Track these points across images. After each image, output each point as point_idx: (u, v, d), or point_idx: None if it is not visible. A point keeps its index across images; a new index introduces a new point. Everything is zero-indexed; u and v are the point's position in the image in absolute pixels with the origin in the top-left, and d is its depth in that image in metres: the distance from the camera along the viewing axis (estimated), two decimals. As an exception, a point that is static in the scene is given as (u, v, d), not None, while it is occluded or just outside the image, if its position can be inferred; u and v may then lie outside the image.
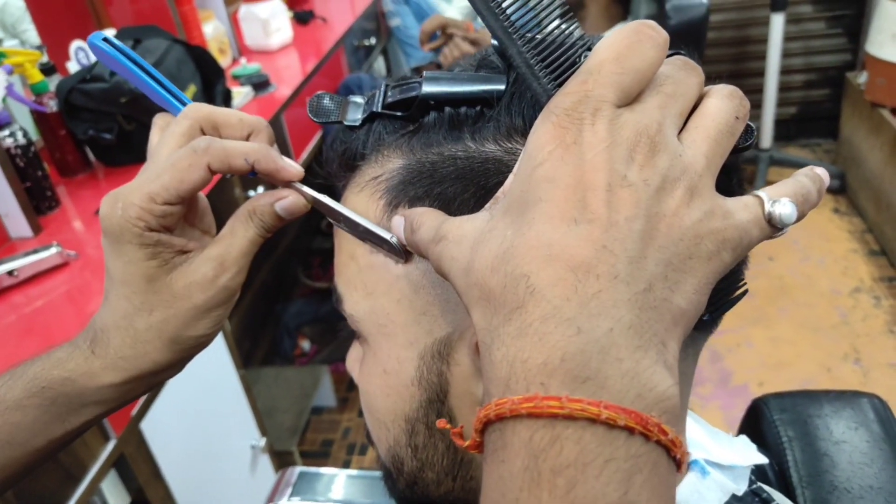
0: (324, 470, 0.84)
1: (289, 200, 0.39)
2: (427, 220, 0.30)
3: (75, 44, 1.46)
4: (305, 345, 2.20)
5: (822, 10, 2.73)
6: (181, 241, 0.39)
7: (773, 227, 0.28)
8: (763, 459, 0.48)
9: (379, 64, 2.60)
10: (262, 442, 1.43)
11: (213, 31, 1.82)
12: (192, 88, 1.42)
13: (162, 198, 0.36)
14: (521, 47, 0.29)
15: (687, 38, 1.60)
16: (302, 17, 2.23)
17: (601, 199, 0.24)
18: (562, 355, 0.22)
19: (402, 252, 0.34)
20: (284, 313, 2.23)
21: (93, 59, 1.48)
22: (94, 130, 1.33)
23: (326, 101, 0.38)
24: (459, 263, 0.27)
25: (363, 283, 0.35)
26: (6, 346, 0.96)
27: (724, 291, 0.34)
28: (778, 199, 0.28)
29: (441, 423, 0.31)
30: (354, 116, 0.36)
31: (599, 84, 0.25)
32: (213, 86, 1.49)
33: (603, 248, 0.23)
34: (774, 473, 0.54)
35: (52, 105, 1.34)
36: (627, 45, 0.26)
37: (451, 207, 0.32)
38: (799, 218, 0.28)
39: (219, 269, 0.39)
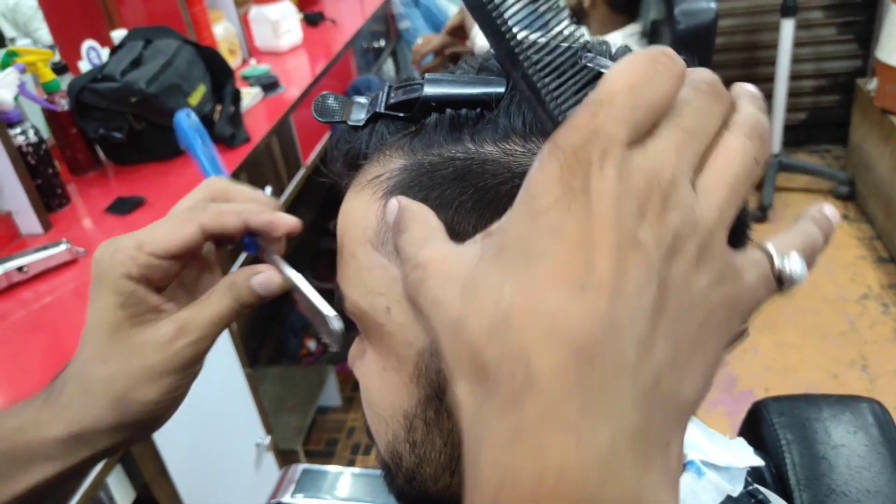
0: (327, 467, 0.85)
1: (264, 276, 0.40)
2: (414, 229, 0.28)
3: (87, 43, 1.48)
4: (311, 345, 2.21)
5: (833, 16, 2.72)
6: (157, 299, 0.39)
7: (782, 284, 0.25)
8: (759, 461, 0.48)
9: (388, 66, 2.62)
10: (268, 440, 1.44)
11: (223, 32, 1.84)
12: (201, 89, 1.43)
13: (149, 248, 0.37)
14: (526, 69, 0.28)
15: (696, 42, 1.60)
16: (312, 18, 2.24)
17: (609, 261, 0.21)
18: (558, 472, 0.20)
19: (338, 340, 0.37)
20: (291, 313, 2.24)
21: (104, 58, 1.49)
22: (105, 129, 1.35)
23: (331, 101, 0.39)
24: (447, 313, 0.24)
25: (364, 282, 0.36)
26: (15, 341, 0.98)
27: None
28: (788, 254, 0.25)
29: None
30: (358, 116, 0.37)
31: (610, 120, 0.23)
32: (222, 86, 1.50)
33: (610, 325, 0.21)
34: (772, 476, 0.54)
35: (63, 104, 1.35)
36: (642, 75, 0.24)
37: (450, 210, 0.32)
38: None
39: (179, 332, 0.39)
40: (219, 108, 1.48)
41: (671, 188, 0.23)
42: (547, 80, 0.28)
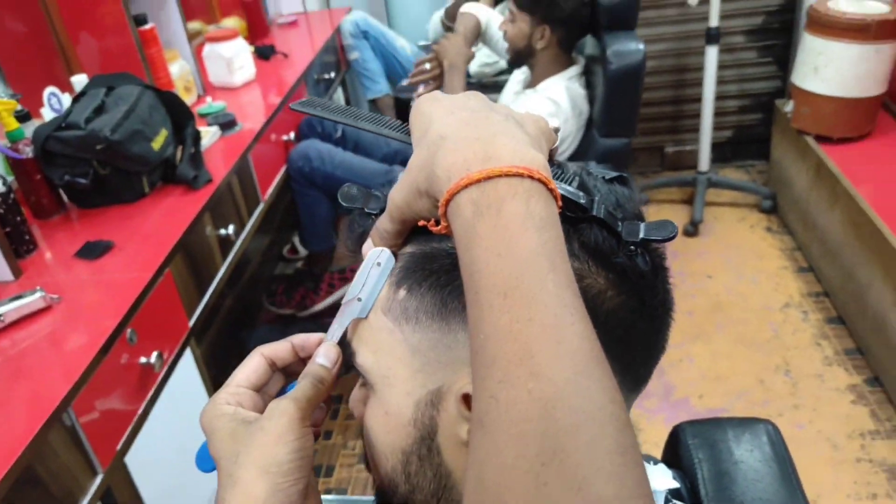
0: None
1: (322, 350, 0.48)
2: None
3: (49, 90, 1.52)
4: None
5: (754, 41, 2.93)
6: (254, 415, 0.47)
7: None
8: (676, 484, 0.59)
9: (338, 95, 2.70)
10: (236, 467, 1.50)
11: (178, 71, 1.89)
12: (163, 133, 1.49)
13: (233, 382, 0.48)
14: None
15: (626, 79, 1.74)
16: (263, 52, 2.30)
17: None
18: (473, 153, 0.36)
19: None
20: (250, 339, 2.29)
21: (66, 104, 1.54)
22: (70, 175, 1.39)
23: (354, 190, 0.48)
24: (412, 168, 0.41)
25: (372, 342, 0.44)
26: (-2, 389, 1.02)
27: (646, 358, 0.44)
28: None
29: None
30: (374, 206, 0.46)
31: None
32: (183, 128, 1.56)
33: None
34: (688, 491, 0.66)
35: (27, 151, 1.39)
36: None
37: (445, 289, 0.41)
38: None
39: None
40: (180, 149, 1.54)
41: None
42: None
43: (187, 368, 1.37)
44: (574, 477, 0.29)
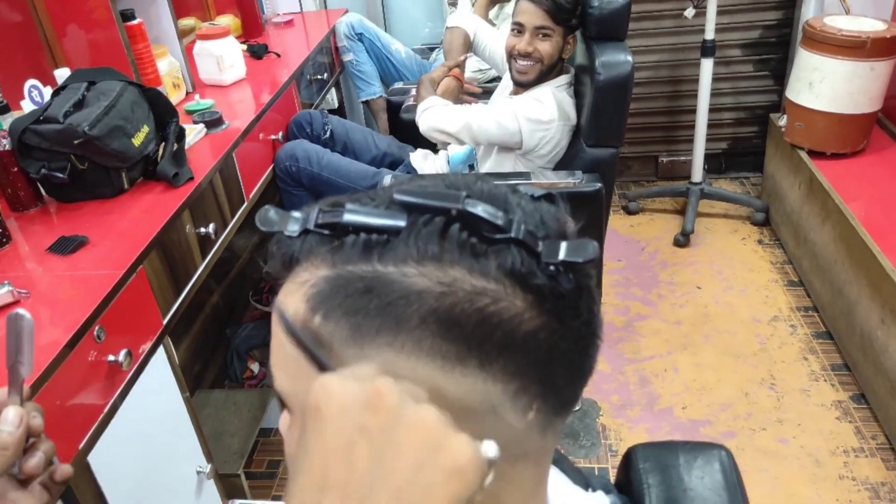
0: (261, 503, 0.91)
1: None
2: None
3: (30, 82, 1.51)
4: (255, 367, 2.26)
5: (750, 54, 2.92)
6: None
7: None
8: None
9: (331, 96, 2.69)
10: (208, 468, 1.49)
11: (167, 67, 1.88)
12: (144, 129, 1.48)
13: None
14: None
15: (614, 90, 1.73)
16: (256, 51, 2.30)
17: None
18: None
19: None
20: (235, 336, 2.28)
21: (47, 97, 1.53)
22: (47, 169, 1.38)
23: (272, 213, 0.46)
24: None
25: (288, 367, 0.43)
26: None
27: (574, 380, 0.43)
28: None
29: None
30: (293, 228, 0.44)
31: None
32: (166, 126, 1.55)
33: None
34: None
35: (4, 143, 1.38)
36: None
37: (358, 314, 0.40)
38: None
39: None
40: (163, 146, 1.53)
41: None
42: None
43: (159, 367, 1.35)
44: None
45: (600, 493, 0.55)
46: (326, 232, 0.42)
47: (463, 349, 0.37)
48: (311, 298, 0.42)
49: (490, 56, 2.27)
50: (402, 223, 0.39)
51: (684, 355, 2.21)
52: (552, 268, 0.38)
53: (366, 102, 2.82)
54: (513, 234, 0.38)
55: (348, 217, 0.41)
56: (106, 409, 1.17)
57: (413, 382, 0.36)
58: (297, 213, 0.45)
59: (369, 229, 0.40)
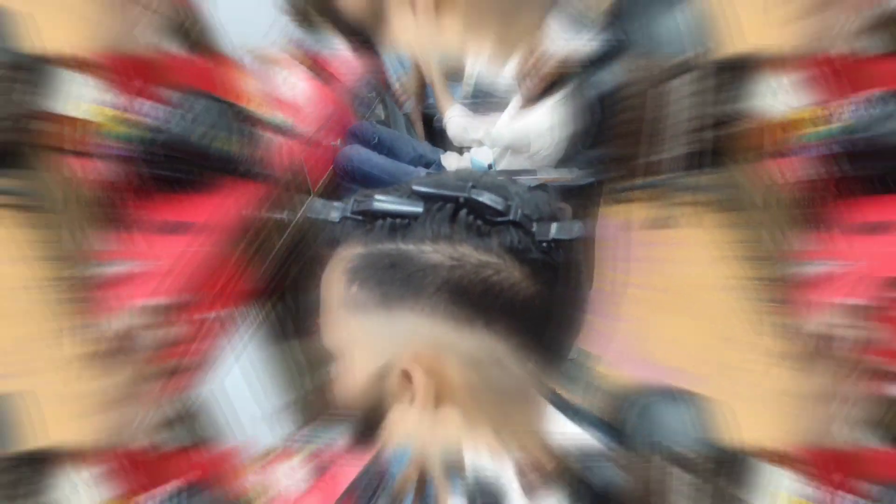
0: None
1: None
2: None
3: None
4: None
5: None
6: None
7: None
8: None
9: (378, 109, 3.08)
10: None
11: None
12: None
13: None
14: None
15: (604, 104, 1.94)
16: (318, 73, 2.68)
17: None
18: None
19: None
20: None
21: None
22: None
23: (318, 204, 0.53)
24: None
25: (335, 328, 0.49)
26: None
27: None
28: None
29: None
30: (334, 215, 0.48)
31: None
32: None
33: None
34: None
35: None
36: None
37: (386, 284, 0.44)
38: None
39: None
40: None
41: None
42: None
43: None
44: None
45: (591, 428, 0.59)
46: (360, 218, 0.46)
47: (471, 312, 0.42)
48: (349, 272, 0.46)
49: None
50: (419, 209, 0.44)
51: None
52: (545, 244, 0.43)
53: (406, 114, 3.20)
54: (511, 217, 0.43)
55: (377, 205, 0.45)
56: None
57: (431, 339, 0.42)
58: (336, 203, 0.49)
59: (394, 215, 0.44)
